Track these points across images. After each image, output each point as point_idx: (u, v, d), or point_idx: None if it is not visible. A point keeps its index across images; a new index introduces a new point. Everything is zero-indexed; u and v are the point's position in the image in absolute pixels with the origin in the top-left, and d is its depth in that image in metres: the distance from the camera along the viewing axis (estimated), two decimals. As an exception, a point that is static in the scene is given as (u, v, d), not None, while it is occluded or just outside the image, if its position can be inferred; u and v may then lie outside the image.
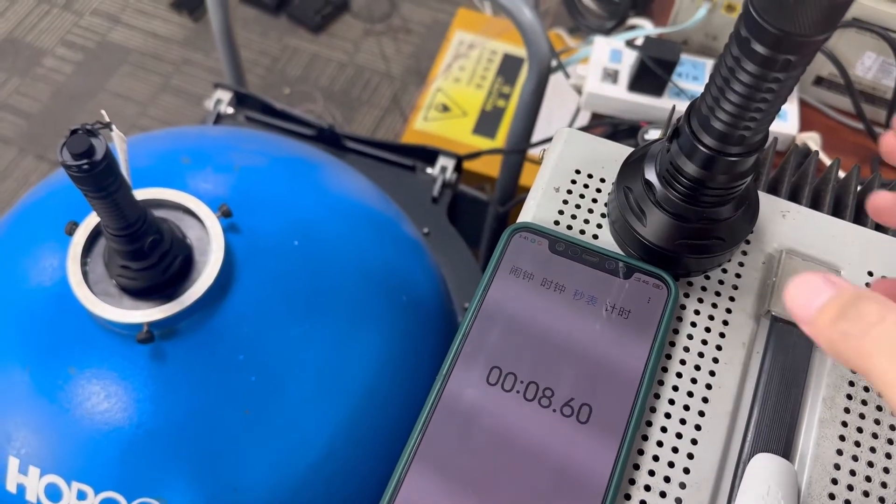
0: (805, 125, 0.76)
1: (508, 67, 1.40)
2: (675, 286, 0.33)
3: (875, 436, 0.30)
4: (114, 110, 1.67)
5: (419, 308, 0.66)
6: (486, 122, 1.33)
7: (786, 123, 0.72)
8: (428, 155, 0.92)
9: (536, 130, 0.92)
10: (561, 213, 0.35)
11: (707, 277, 0.34)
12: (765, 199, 0.37)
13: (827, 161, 0.70)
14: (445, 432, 0.29)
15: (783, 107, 0.72)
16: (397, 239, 0.70)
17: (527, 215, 0.35)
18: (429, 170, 0.92)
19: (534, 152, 1.06)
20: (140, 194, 0.54)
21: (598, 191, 0.36)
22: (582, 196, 0.36)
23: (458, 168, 0.92)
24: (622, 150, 0.37)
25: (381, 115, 1.69)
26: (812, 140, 0.72)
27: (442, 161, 0.91)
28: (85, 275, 0.53)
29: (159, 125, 1.66)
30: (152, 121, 1.68)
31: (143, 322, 0.51)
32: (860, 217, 0.39)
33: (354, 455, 0.57)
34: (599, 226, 0.35)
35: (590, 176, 0.36)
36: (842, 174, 0.41)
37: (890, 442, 0.30)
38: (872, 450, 0.30)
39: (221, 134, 0.74)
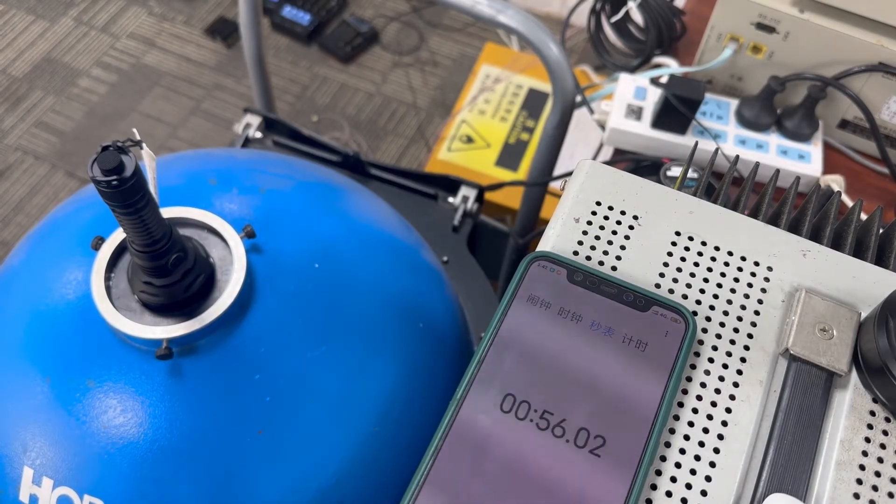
0: (829, 168, 0.76)
1: (533, 102, 1.41)
2: (694, 321, 0.33)
3: (893, 480, 0.30)
4: (145, 131, 1.71)
5: (435, 335, 0.66)
6: (509, 155, 1.34)
7: (809, 165, 0.72)
8: (450, 184, 0.93)
9: (559, 164, 0.93)
10: (580, 243, 0.35)
11: (726, 314, 0.34)
12: (785, 237, 0.37)
13: (850, 203, 0.69)
14: (456, 459, 0.29)
15: (806, 149, 0.72)
16: (417, 266, 0.71)
17: (546, 244, 0.35)
18: (450, 199, 0.92)
19: (555, 185, 1.06)
20: (166, 212, 0.55)
21: (619, 223, 0.36)
22: (602, 227, 0.36)
23: (480, 198, 0.93)
24: (643, 184, 0.37)
25: (405, 145, 1.71)
26: (835, 182, 0.72)
27: (464, 191, 0.92)
28: (108, 289, 0.54)
29: (188, 147, 1.69)
30: (182, 143, 1.71)
31: (163, 338, 0.51)
32: (882, 259, 0.39)
33: (365, 481, 0.57)
34: (618, 257, 0.35)
35: (610, 208, 0.37)
36: (864, 216, 0.41)
37: (909, 488, 0.30)
38: (890, 495, 0.30)
39: (248, 157, 0.75)
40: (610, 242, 0.36)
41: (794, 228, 0.40)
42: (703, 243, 0.36)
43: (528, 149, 1.35)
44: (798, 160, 0.72)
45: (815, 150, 0.73)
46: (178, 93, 1.79)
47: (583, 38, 1.79)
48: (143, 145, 0.44)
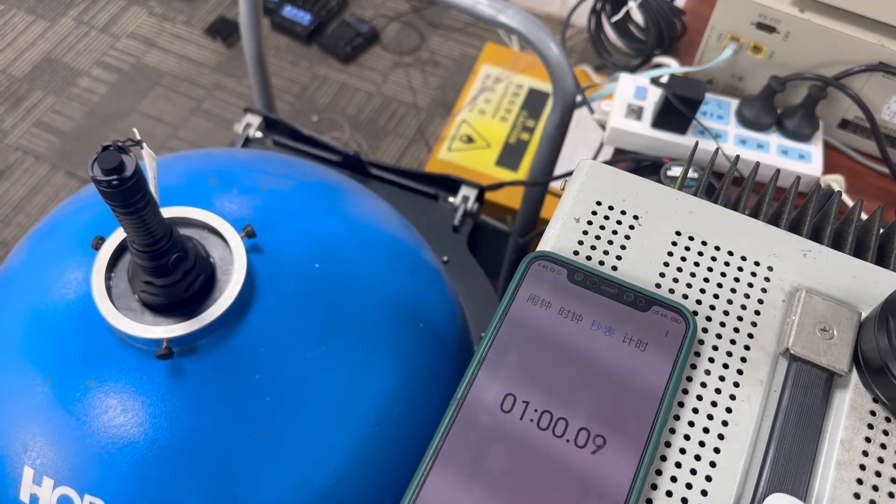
0: (829, 168, 0.76)
1: (533, 101, 1.41)
2: (694, 321, 0.33)
3: (894, 480, 0.30)
4: (145, 131, 1.71)
5: (436, 335, 0.66)
6: (510, 155, 1.34)
7: (810, 165, 0.72)
8: (450, 184, 0.93)
9: (559, 164, 0.93)
10: (581, 243, 0.35)
11: (726, 314, 0.34)
12: (785, 237, 0.37)
13: (850, 203, 0.69)
14: (457, 459, 0.29)
15: (807, 148, 0.72)
16: (417, 266, 0.71)
17: (546, 244, 0.35)
18: (451, 199, 0.92)
19: (556, 185, 1.06)
20: (167, 212, 0.55)
21: (619, 223, 0.36)
22: (602, 227, 0.36)
23: (480, 198, 0.93)
24: (643, 183, 0.37)
25: (405, 145, 1.71)
26: (836, 182, 0.72)
27: (464, 191, 0.92)
28: (108, 289, 0.54)
29: (189, 147, 1.69)
30: (182, 143, 1.71)
31: (163, 338, 0.51)
32: (882, 258, 0.39)
33: (365, 481, 0.57)
34: (619, 257, 0.35)
35: (610, 208, 0.37)
36: (864, 216, 0.41)
37: (909, 487, 0.30)
38: (891, 495, 0.30)
39: (249, 157, 0.75)
40: (610, 242, 0.36)
41: (794, 228, 0.40)
42: (704, 243, 0.36)
43: (528, 148, 1.35)
44: (798, 160, 0.72)
45: (815, 149, 0.73)
46: (178, 93, 1.79)
47: (583, 38, 1.79)
48: (144, 145, 0.44)
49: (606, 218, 0.36)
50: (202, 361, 0.53)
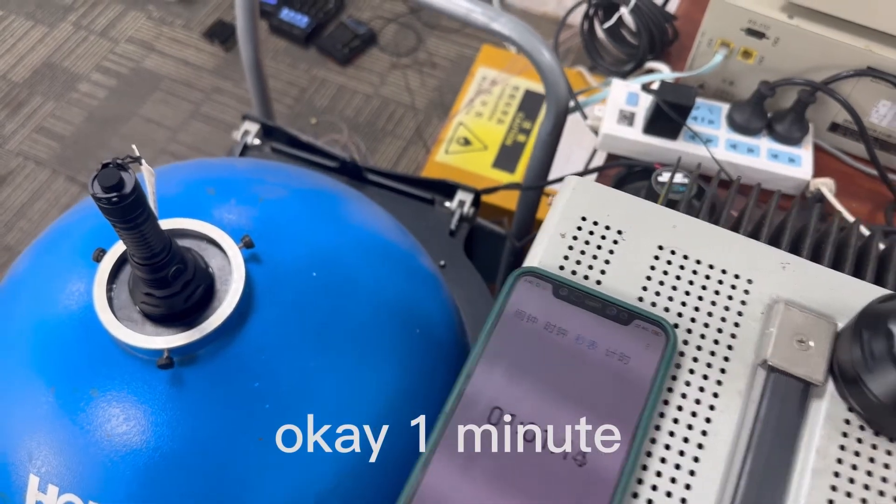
0: (819, 170, 0.77)
1: (529, 103, 1.42)
2: (675, 333, 0.34)
3: (866, 487, 0.31)
4: (145, 135, 1.72)
5: (433, 341, 0.67)
6: (507, 157, 1.35)
7: (800, 168, 0.73)
8: (446, 188, 0.94)
9: (555, 167, 0.94)
10: (566, 258, 0.37)
11: (706, 326, 0.35)
12: (765, 249, 0.38)
13: (838, 207, 0.70)
14: (446, 471, 0.30)
15: (797, 152, 0.73)
16: (414, 271, 0.72)
17: (533, 260, 0.37)
18: (447, 203, 0.93)
19: (554, 187, 1.08)
20: (165, 224, 0.56)
21: (603, 237, 0.37)
22: (587, 242, 0.37)
23: (476, 202, 0.94)
24: (628, 199, 0.38)
25: (404, 147, 1.72)
26: (826, 186, 0.73)
27: (460, 195, 0.93)
28: (110, 300, 0.55)
29: (188, 150, 1.70)
30: (181, 146, 1.72)
31: (164, 348, 0.53)
32: (860, 270, 0.40)
33: (362, 488, 0.58)
34: (603, 271, 0.36)
35: (595, 223, 0.38)
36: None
37: (881, 493, 0.31)
38: (863, 501, 0.31)
39: (246, 166, 0.76)
40: (595, 257, 0.37)
41: (775, 240, 0.41)
42: (686, 257, 0.37)
43: (525, 150, 1.36)
44: (788, 163, 0.73)
45: (805, 153, 0.74)
46: (177, 96, 1.80)
47: (579, 39, 1.80)
48: (142, 161, 0.45)
49: (591, 233, 0.37)
50: (202, 370, 0.54)
